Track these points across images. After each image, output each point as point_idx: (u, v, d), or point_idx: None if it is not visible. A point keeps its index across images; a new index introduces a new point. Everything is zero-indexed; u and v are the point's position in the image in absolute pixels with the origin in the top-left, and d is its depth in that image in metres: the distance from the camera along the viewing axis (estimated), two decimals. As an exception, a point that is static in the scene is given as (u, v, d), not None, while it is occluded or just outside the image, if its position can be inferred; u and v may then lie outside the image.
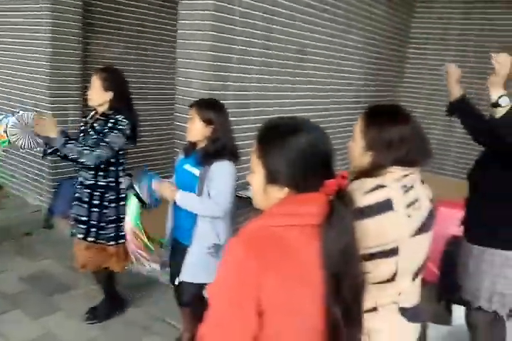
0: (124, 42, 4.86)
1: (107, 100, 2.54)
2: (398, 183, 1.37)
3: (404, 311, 1.44)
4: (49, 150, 2.52)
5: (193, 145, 2.30)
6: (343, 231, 1.01)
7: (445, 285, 3.08)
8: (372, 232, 1.30)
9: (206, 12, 2.80)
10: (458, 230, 2.51)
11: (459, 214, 2.47)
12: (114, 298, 2.96)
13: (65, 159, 2.54)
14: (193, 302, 2.33)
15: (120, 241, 2.67)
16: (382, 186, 1.35)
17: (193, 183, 2.21)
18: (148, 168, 2.72)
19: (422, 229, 1.44)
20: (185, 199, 2.20)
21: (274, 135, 1.07)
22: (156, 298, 3.14)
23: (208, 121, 2.16)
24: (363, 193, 1.33)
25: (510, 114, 1.88)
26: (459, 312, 2.74)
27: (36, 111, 3.49)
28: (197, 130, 2.18)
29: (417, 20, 5.47)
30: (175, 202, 2.24)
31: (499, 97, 1.86)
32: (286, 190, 1.04)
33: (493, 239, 2.14)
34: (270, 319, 0.95)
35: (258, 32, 3.17)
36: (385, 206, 1.33)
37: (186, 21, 2.93)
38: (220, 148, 2.16)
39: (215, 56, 2.90)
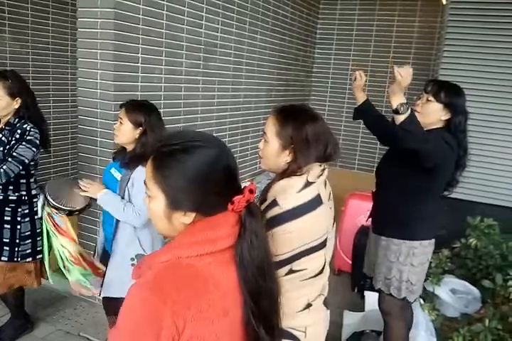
0: (20, 41, 4.55)
1: (15, 108, 2.38)
2: (320, 178, 1.43)
3: (325, 300, 1.52)
4: None
5: (123, 148, 2.21)
6: (257, 247, 0.96)
7: (357, 274, 3.25)
8: (308, 229, 1.36)
9: (108, 10, 2.69)
10: (368, 221, 2.66)
11: (368, 205, 2.61)
12: (21, 316, 2.76)
13: None
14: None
15: (38, 257, 2.52)
16: (310, 183, 1.39)
17: (115, 188, 2.13)
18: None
19: (334, 218, 1.53)
20: (107, 200, 2.10)
21: (170, 155, 0.96)
22: (68, 313, 2.99)
23: (136, 123, 2.09)
24: (295, 192, 1.36)
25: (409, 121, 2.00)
26: (371, 298, 2.90)
27: None
28: (125, 132, 2.10)
29: (321, 21, 5.68)
30: (104, 215, 2.16)
31: (399, 105, 1.98)
32: (191, 214, 0.96)
33: (399, 230, 2.28)
34: None
35: (163, 31, 3.10)
36: (317, 202, 1.39)
37: (86, 19, 2.79)
38: (149, 152, 2.09)
39: (119, 56, 2.79)
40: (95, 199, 2.18)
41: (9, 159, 2.27)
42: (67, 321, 2.90)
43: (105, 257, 2.28)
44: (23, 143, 2.31)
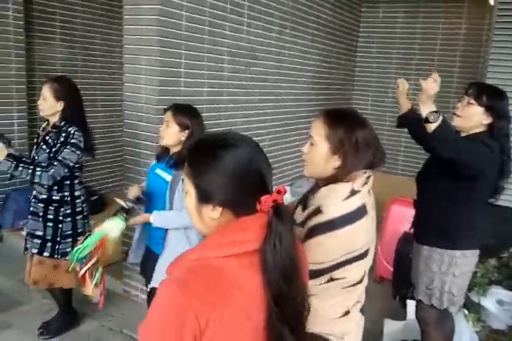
0: (70, 48, 4.74)
1: (59, 110, 2.50)
2: (366, 186, 1.39)
3: (362, 308, 1.50)
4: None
5: (166, 150, 2.28)
6: (280, 251, 0.94)
7: (399, 281, 3.17)
8: (351, 238, 1.32)
9: (152, 17, 2.77)
10: (411, 229, 2.60)
11: (411, 211, 2.55)
12: (68, 311, 2.86)
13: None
14: None
15: None
16: (356, 191, 1.35)
17: (163, 188, 2.18)
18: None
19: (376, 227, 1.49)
20: (159, 221, 2.15)
21: (203, 151, 1.01)
22: (111, 310, 3.06)
23: (183, 126, 2.15)
24: (341, 200, 1.33)
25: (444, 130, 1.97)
26: (412, 307, 2.83)
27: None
28: (172, 134, 2.17)
29: (363, 24, 5.62)
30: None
31: (429, 114, 1.95)
32: (219, 209, 0.98)
33: (440, 239, 2.21)
34: None
35: (206, 37, 3.16)
36: (362, 211, 1.35)
37: (131, 26, 2.88)
38: None
39: (163, 61, 2.87)
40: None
41: (55, 163, 2.39)
42: (111, 318, 2.99)
43: (148, 257, 2.33)
44: (68, 146, 2.42)
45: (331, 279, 1.34)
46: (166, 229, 2.20)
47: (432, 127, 1.96)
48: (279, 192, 0.97)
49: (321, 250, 1.30)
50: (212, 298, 0.89)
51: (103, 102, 5.10)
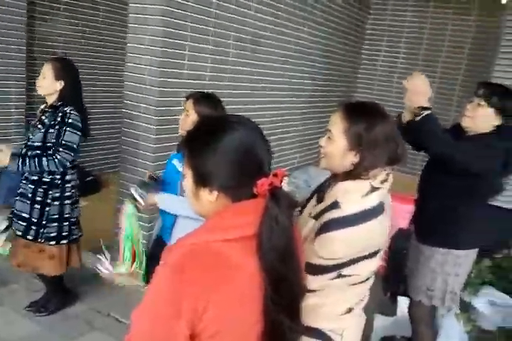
0: (73, 26, 4.65)
1: (57, 90, 2.46)
2: (386, 184, 1.34)
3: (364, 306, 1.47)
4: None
5: None
6: (277, 233, 0.92)
7: (391, 278, 3.16)
8: (366, 236, 1.29)
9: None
10: (405, 223, 2.57)
11: (406, 207, 2.53)
12: (59, 290, 2.84)
13: None
14: None
15: (62, 242, 2.57)
16: (375, 188, 1.31)
17: (177, 178, 2.11)
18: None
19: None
20: (164, 203, 2.11)
21: (201, 133, 0.99)
22: (100, 293, 3.04)
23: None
24: (360, 197, 1.29)
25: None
26: (403, 304, 2.82)
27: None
28: (191, 125, 2.09)
29: (372, 17, 5.54)
30: None
31: (418, 108, 1.94)
32: (216, 192, 0.96)
33: (444, 239, 2.18)
34: (208, 338, 0.89)
35: (211, 19, 3.09)
36: (379, 209, 1.31)
37: (138, 5, 2.81)
38: None
39: (166, 42, 2.80)
40: None
41: (60, 148, 2.36)
42: (100, 300, 2.97)
43: (157, 244, 2.29)
44: (68, 128, 2.38)
45: (340, 276, 1.30)
46: (175, 218, 2.15)
47: (417, 119, 1.93)
48: (275, 175, 0.95)
49: (333, 246, 1.25)
50: (210, 283, 0.88)
51: (104, 82, 5.02)
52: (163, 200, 2.11)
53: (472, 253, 2.20)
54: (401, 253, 2.56)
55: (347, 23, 5.03)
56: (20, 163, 2.34)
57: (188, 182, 1.01)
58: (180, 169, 2.12)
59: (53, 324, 2.69)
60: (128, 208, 2.05)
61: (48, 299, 2.80)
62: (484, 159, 1.98)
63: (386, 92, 5.48)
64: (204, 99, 2.11)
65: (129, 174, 3.08)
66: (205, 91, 2.25)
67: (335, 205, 1.28)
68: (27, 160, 2.35)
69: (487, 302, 2.91)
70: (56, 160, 2.35)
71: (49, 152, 2.38)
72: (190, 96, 2.14)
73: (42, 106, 2.58)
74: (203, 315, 0.87)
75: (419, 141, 2.02)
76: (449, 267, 2.17)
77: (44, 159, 2.35)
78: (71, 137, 2.39)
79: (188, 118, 2.09)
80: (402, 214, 3.29)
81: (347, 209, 1.26)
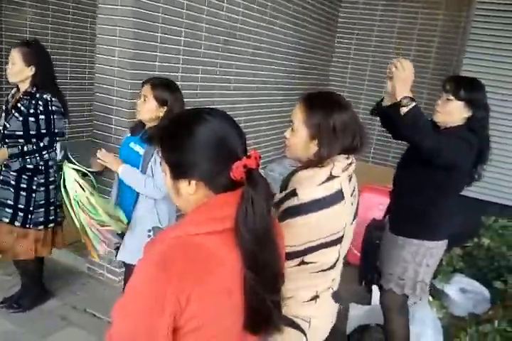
0: (40, 16, 4.52)
1: (29, 76, 2.39)
2: (345, 172, 1.36)
3: (334, 294, 1.49)
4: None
5: (140, 123, 2.21)
6: (252, 214, 0.91)
7: (365, 267, 3.21)
8: (324, 224, 1.31)
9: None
10: (379, 214, 2.61)
11: (381, 199, 2.57)
12: (40, 287, 2.80)
13: None
14: None
15: (49, 226, 2.58)
16: (334, 177, 1.33)
17: (137, 162, 2.13)
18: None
19: (356, 215, 1.48)
20: (128, 174, 2.12)
21: (176, 125, 1.00)
22: (75, 288, 3.00)
23: (162, 102, 2.07)
24: (315, 185, 1.31)
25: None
26: (377, 293, 2.87)
27: None
28: (149, 110, 2.09)
29: (343, 10, 5.56)
30: (120, 180, 2.19)
31: (402, 98, 1.91)
32: (194, 182, 0.96)
33: (418, 230, 2.22)
34: (191, 332, 0.89)
35: (183, 11, 3.05)
36: (337, 197, 1.33)
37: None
38: None
39: (137, 33, 2.75)
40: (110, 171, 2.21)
41: (56, 138, 2.43)
42: (75, 296, 2.92)
43: None
44: (55, 116, 2.40)
45: (303, 262, 1.33)
46: (137, 197, 2.16)
47: (404, 110, 1.92)
48: (249, 156, 0.94)
49: (292, 233, 1.28)
50: (192, 276, 0.88)
51: (72, 74, 4.90)
52: (126, 170, 2.13)
53: (444, 244, 2.25)
54: (375, 243, 2.60)
55: (318, 16, 5.04)
56: (20, 161, 2.39)
57: (167, 178, 1.01)
58: (141, 152, 2.13)
59: (28, 320, 2.64)
60: (68, 175, 2.12)
61: (21, 295, 2.74)
62: (455, 150, 2.01)
63: (358, 85, 5.53)
64: (163, 86, 2.12)
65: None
66: (162, 77, 2.27)
67: (292, 193, 1.31)
68: (27, 157, 2.40)
69: (458, 289, 2.98)
70: (57, 150, 2.44)
71: (45, 143, 2.40)
72: (147, 81, 2.14)
73: (13, 91, 2.51)
74: (186, 308, 0.86)
75: (405, 133, 2.00)
76: (421, 257, 2.21)
77: (44, 152, 2.41)
78: (59, 124, 2.43)
79: (146, 105, 2.10)
80: (376, 206, 3.36)
81: (302, 196, 1.29)
